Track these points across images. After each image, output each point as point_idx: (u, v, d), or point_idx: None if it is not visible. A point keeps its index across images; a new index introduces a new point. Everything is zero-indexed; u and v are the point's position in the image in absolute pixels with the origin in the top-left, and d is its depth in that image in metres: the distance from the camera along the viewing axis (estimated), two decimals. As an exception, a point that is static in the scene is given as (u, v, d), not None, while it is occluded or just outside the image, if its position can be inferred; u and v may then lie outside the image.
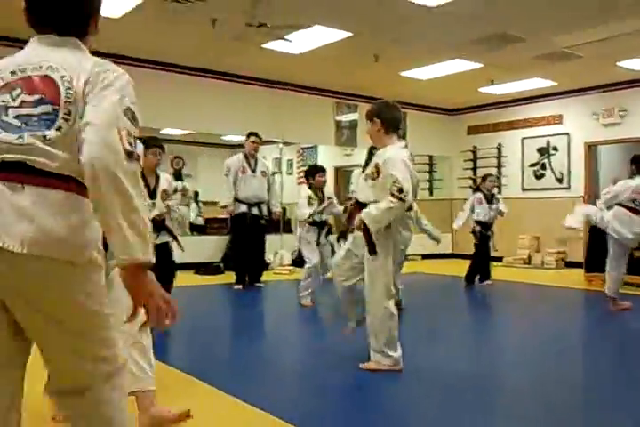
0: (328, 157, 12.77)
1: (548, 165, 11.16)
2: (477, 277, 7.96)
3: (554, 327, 5.35)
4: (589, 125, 10.56)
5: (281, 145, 10.74)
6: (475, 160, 12.35)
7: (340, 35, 7.52)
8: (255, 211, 7.32)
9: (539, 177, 11.30)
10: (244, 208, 7.28)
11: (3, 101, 1.55)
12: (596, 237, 8.01)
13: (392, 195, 3.39)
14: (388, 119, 3.68)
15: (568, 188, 10.85)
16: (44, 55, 1.61)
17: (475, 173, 12.31)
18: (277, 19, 6.78)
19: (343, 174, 13.34)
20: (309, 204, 6.22)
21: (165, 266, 4.64)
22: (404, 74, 9.50)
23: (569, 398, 3.25)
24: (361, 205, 3.67)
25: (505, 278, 8.77)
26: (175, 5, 6.52)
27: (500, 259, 11.13)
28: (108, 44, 7.99)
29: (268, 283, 7.83)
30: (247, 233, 7.28)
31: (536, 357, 4.23)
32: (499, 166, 11.91)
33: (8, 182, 1.48)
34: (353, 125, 11.06)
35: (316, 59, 8.58)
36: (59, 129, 1.52)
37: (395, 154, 3.56)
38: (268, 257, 9.12)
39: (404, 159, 3.53)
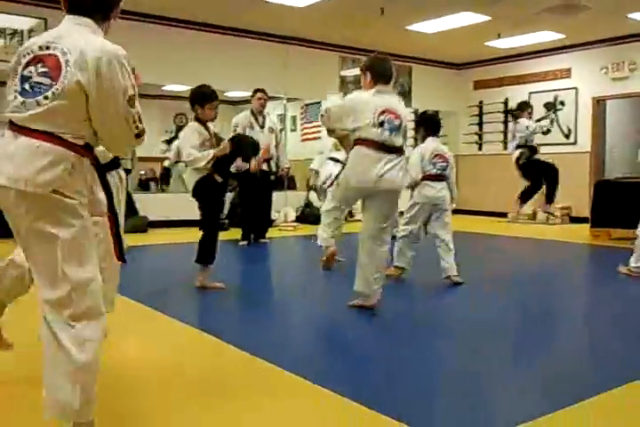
0: (332, 113, 12.61)
1: (554, 120, 11.04)
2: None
3: (561, 280, 5.38)
4: (598, 80, 10.40)
5: (284, 101, 10.61)
6: (481, 115, 12.22)
7: (345, -14, 7.36)
8: (264, 167, 7.27)
9: (545, 132, 11.16)
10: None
11: (29, 72, 1.98)
12: (602, 193, 8.03)
13: None
14: (379, 72, 3.89)
15: (574, 143, 10.77)
16: (65, 35, 2.00)
17: (480, 129, 12.20)
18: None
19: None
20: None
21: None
22: (410, 28, 9.32)
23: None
24: None
25: (510, 234, 8.79)
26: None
27: (505, 215, 11.13)
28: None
29: (273, 239, 7.84)
30: (255, 189, 7.26)
31: (544, 311, 4.26)
32: (505, 122, 11.79)
33: (10, 132, 1.97)
34: (357, 80, 10.83)
35: (320, 12, 8.41)
36: (46, 98, 1.94)
37: (351, 95, 4.09)
38: (273, 214, 9.12)
39: (351, 97, 4.01)
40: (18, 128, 1.95)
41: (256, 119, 7.32)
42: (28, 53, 2.00)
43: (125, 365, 2.89)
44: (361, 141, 3.77)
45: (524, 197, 8.67)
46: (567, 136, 10.84)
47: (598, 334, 3.70)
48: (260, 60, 9.68)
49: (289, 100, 10.73)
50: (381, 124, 3.72)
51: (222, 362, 3.00)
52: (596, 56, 10.38)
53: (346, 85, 10.91)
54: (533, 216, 10.94)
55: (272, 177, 7.45)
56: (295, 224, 9.48)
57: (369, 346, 3.30)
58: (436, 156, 4.92)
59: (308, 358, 3.14)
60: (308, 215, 9.95)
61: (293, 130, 12.49)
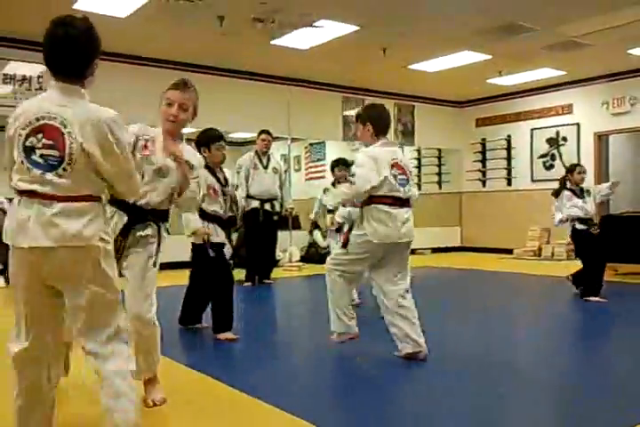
0: (336, 152, 12.70)
1: (557, 156, 11.10)
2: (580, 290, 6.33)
3: (572, 318, 5.32)
4: (599, 115, 10.48)
5: (289, 141, 10.70)
6: (484, 152, 12.29)
7: (347, 29, 7.48)
8: (267, 207, 7.30)
9: (548, 168, 11.23)
10: (256, 204, 7.24)
11: (30, 142, 2.12)
12: (607, 228, 7.99)
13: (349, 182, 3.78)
14: (382, 124, 3.89)
15: (578, 178, 10.76)
16: (59, 106, 2.13)
17: (484, 166, 12.26)
18: (285, 13, 6.76)
19: (352, 169, 13.30)
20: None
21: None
22: (412, 67, 9.45)
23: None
24: None
25: (516, 271, 8.73)
26: (181, 4, 6.50)
27: (509, 251, 11.11)
28: (114, 43, 7.98)
29: (278, 280, 7.80)
30: (259, 229, 7.27)
31: (554, 348, 4.20)
32: (508, 158, 11.86)
33: (41, 200, 2.10)
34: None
35: (323, 54, 8.54)
36: (64, 169, 2.12)
37: (364, 151, 3.80)
38: (278, 254, 9.14)
39: (369, 154, 3.74)
40: (49, 197, 2.10)
41: (260, 160, 7.38)
42: (27, 125, 2.12)
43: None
44: (377, 198, 3.70)
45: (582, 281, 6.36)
46: (570, 171, 10.84)
47: (608, 373, 3.63)
48: (264, 102, 9.80)
49: (293, 140, 10.82)
50: (395, 178, 3.71)
51: (213, 400, 2.96)
52: (596, 92, 10.49)
53: (349, 125, 11.01)
54: (539, 252, 10.91)
55: (275, 217, 7.45)
56: (300, 264, 9.45)
57: (374, 389, 3.24)
58: None
59: (307, 398, 3.09)
60: (313, 255, 9.94)
61: (298, 169, 12.57)
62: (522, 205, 11.29)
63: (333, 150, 12.74)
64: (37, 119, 2.12)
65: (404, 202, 3.78)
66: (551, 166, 11.17)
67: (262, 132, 7.45)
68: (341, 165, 6.21)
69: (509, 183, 11.85)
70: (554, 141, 11.15)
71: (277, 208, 7.45)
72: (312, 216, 6.96)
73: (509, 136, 11.84)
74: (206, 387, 3.28)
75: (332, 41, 7.93)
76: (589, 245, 6.24)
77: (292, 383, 3.42)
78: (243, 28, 7.32)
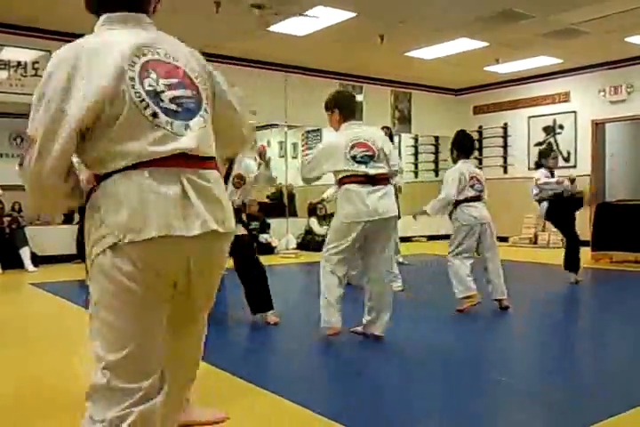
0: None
1: (554, 144, 11.10)
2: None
3: (571, 306, 5.35)
4: (596, 103, 10.48)
5: (285, 128, 10.68)
6: (480, 140, 12.28)
7: (343, 15, 7.44)
8: None
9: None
10: None
11: (150, 85, 1.53)
12: (602, 216, 8.03)
13: None
14: (348, 109, 4.16)
15: (575, 166, 10.79)
16: (147, 37, 1.65)
17: (480, 154, 12.25)
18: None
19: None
20: None
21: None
22: (409, 54, 9.42)
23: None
24: None
25: (511, 258, 8.75)
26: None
27: (505, 239, 11.12)
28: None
29: (275, 267, 7.80)
30: None
31: (546, 338, 4.23)
32: (504, 146, 11.86)
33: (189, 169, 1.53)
34: (358, 107, 10.97)
35: (320, 40, 8.51)
36: (206, 110, 1.60)
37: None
38: (275, 241, 9.16)
39: (322, 145, 4.12)
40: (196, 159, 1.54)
41: None
42: (132, 64, 1.53)
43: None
44: (344, 179, 3.83)
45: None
46: (567, 159, 10.88)
47: (607, 360, 3.67)
48: (260, 88, 9.76)
49: (289, 127, 10.80)
50: (354, 159, 3.79)
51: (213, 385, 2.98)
52: (593, 79, 10.48)
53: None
54: (534, 240, 10.94)
55: None
56: (296, 251, 9.46)
57: (382, 377, 3.27)
58: (472, 178, 4.96)
59: (308, 386, 3.11)
60: (309, 242, 9.96)
61: (294, 157, 12.54)
62: (518, 193, 11.28)
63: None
64: (137, 55, 1.55)
65: (371, 180, 3.79)
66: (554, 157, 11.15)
67: None
68: None
69: (505, 171, 11.87)
70: (550, 129, 11.15)
71: None
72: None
73: (506, 124, 11.84)
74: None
75: (328, 28, 7.89)
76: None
77: (295, 372, 3.44)
78: (239, 15, 7.27)
